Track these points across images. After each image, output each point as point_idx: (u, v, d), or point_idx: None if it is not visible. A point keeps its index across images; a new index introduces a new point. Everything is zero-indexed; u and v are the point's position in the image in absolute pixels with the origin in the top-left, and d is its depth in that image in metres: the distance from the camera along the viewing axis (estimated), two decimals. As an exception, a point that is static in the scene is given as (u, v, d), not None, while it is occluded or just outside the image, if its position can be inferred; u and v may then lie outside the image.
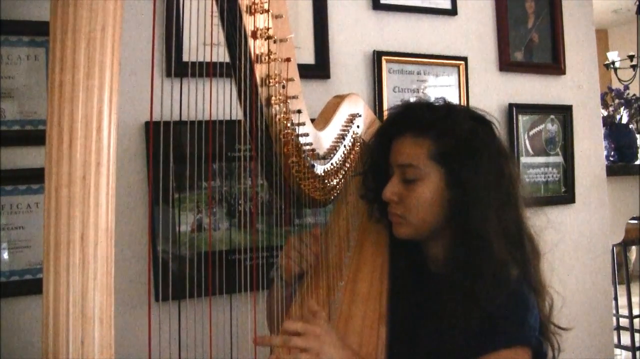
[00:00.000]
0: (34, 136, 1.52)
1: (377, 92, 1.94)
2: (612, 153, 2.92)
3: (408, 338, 1.18)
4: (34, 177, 1.52)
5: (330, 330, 1.08)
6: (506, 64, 2.18)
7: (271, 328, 1.29)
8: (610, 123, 3.00)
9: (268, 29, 1.01)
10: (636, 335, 3.42)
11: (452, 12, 2.09)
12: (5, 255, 1.51)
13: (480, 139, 1.17)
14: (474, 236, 1.12)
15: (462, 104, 2.07)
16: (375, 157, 1.27)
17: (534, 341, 1.12)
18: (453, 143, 1.15)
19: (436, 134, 1.16)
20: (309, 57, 1.85)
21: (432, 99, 1.28)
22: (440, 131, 1.16)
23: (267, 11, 1.00)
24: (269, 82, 1.05)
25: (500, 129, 1.24)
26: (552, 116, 2.27)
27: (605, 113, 2.99)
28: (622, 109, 3.04)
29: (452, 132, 1.15)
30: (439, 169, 1.15)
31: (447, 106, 1.24)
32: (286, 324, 1.05)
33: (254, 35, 1.00)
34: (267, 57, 1.03)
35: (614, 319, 3.36)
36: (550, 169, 2.27)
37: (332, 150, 1.31)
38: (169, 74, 1.62)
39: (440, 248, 1.21)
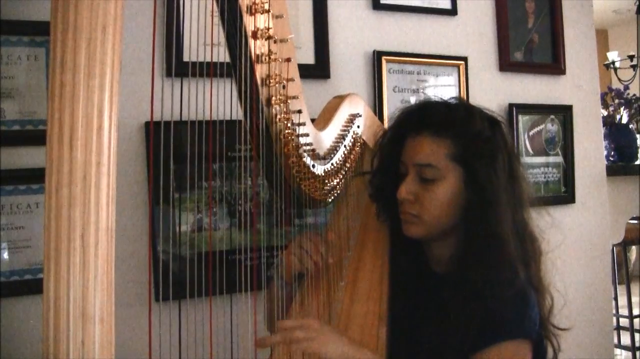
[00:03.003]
0: (34, 136, 1.52)
1: (377, 92, 1.94)
2: (612, 153, 2.92)
3: (409, 337, 1.18)
4: (34, 177, 1.52)
5: (325, 324, 1.10)
6: (506, 64, 2.18)
7: (271, 328, 1.29)
8: (610, 123, 3.00)
9: (268, 29, 1.01)
10: (636, 335, 3.41)
11: (452, 12, 2.09)
12: (5, 255, 1.51)
13: (497, 140, 1.17)
14: (490, 236, 1.12)
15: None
16: (387, 155, 1.27)
17: (534, 335, 1.13)
18: (473, 144, 1.15)
19: (456, 134, 1.15)
20: (309, 57, 1.85)
21: (447, 98, 1.28)
22: (460, 131, 1.16)
23: (268, 11, 1.00)
24: (269, 82, 1.05)
25: (507, 128, 1.25)
26: (552, 116, 2.27)
27: (605, 113, 2.99)
28: (622, 109, 3.04)
29: (472, 132, 1.16)
30: (458, 169, 1.15)
31: (465, 106, 1.25)
32: (282, 323, 1.05)
33: (255, 35, 1.00)
34: (267, 58, 1.03)
35: (614, 319, 3.35)
36: (550, 169, 2.27)
37: (333, 150, 1.31)
38: (169, 74, 1.62)
39: (447, 248, 1.21)
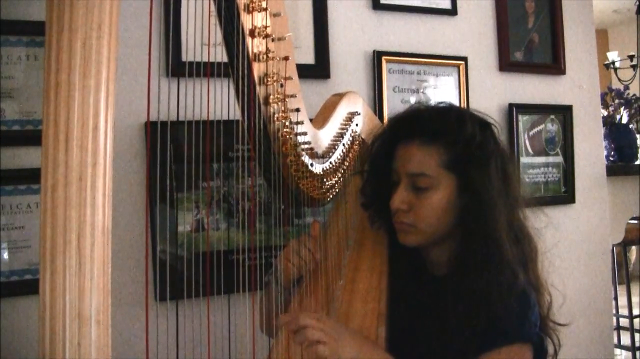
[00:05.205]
0: (34, 136, 1.52)
1: (377, 92, 1.94)
2: (612, 153, 2.92)
3: (408, 340, 1.17)
4: (34, 177, 1.52)
5: (342, 327, 1.09)
6: (506, 64, 2.18)
7: (269, 332, 1.28)
8: (610, 123, 3.00)
9: (266, 27, 1.01)
10: (636, 335, 3.41)
11: (452, 12, 2.09)
12: (5, 255, 1.51)
13: (488, 143, 1.17)
14: (486, 240, 1.11)
15: (462, 104, 2.07)
16: (377, 163, 1.25)
17: (535, 338, 1.13)
18: (465, 150, 1.14)
19: (448, 141, 1.14)
20: (309, 57, 1.85)
21: (435, 102, 1.27)
22: (452, 137, 1.14)
23: (265, 9, 1.00)
24: (267, 80, 1.05)
25: (499, 130, 1.24)
26: (552, 116, 2.27)
27: (605, 113, 2.99)
28: (622, 109, 3.04)
29: (464, 138, 1.14)
30: (451, 176, 1.15)
31: (455, 111, 1.23)
32: (303, 320, 1.03)
33: (252, 33, 1.00)
34: (265, 56, 1.03)
35: (614, 319, 3.35)
36: (550, 169, 2.27)
37: (331, 149, 1.30)
38: (169, 74, 1.61)
39: (444, 252, 1.21)
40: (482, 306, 1.09)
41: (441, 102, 1.27)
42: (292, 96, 1.11)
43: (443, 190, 1.15)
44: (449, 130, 1.15)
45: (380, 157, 1.25)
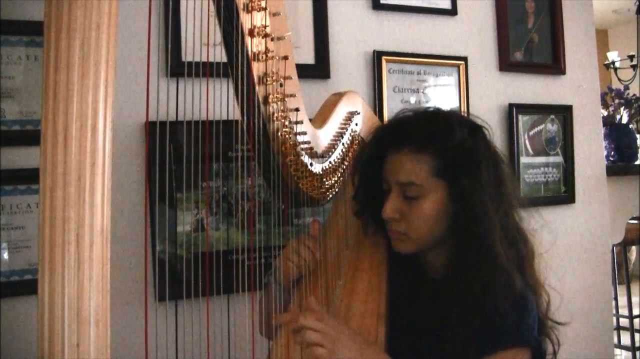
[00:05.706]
0: (34, 136, 1.50)
1: (377, 92, 1.94)
2: (612, 153, 2.92)
3: (407, 344, 1.17)
4: (34, 177, 1.50)
5: (342, 329, 1.08)
6: (506, 64, 2.18)
7: (269, 334, 1.27)
8: (610, 123, 3.00)
9: (265, 26, 1.01)
10: (636, 335, 3.41)
11: (452, 12, 2.09)
12: (5, 255, 1.51)
13: (479, 147, 1.15)
14: (480, 245, 1.11)
15: (462, 104, 2.07)
16: (368, 171, 1.24)
17: (532, 342, 1.12)
18: (455, 157, 1.12)
19: (437, 149, 1.13)
20: (308, 57, 1.85)
21: (424, 108, 1.26)
22: (441, 145, 1.13)
23: (265, 9, 1.00)
24: (267, 80, 1.05)
25: (494, 131, 1.23)
26: (552, 116, 2.27)
27: (605, 113, 2.99)
28: (622, 109, 3.04)
29: (454, 145, 1.13)
30: (441, 184, 1.13)
31: (443, 117, 1.21)
32: (303, 322, 1.03)
33: (251, 33, 1.00)
34: (264, 55, 1.03)
35: (614, 319, 3.35)
36: (550, 169, 2.27)
37: (331, 148, 1.30)
38: (168, 74, 1.61)
39: (440, 256, 1.20)
40: (478, 310, 1.08)
41: (429, 108, 1.26)
42: (291, 96, 1.11)
43: (434, 198, 1.14)
44: (438, 137, 1.14)
45: (370, 165, 1.23)
